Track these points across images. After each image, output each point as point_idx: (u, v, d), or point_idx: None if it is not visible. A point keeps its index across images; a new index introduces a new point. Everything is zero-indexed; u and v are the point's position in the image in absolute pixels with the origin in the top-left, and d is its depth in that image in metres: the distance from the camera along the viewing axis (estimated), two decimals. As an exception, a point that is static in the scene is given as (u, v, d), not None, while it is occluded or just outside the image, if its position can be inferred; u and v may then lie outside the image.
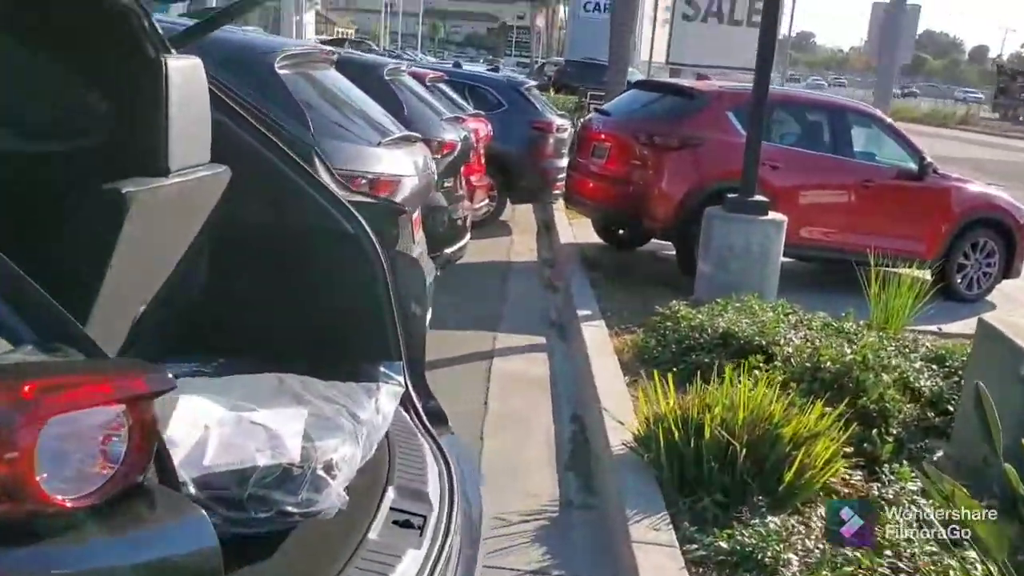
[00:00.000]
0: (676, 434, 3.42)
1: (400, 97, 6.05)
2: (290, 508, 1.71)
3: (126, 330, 2.14)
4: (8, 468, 0.97)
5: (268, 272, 2.58)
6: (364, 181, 3.77)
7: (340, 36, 40.58)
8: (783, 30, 23.73)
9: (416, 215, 4.46)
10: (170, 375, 1.13)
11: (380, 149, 4.09)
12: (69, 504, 1.03)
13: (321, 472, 1.75)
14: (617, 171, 7.93)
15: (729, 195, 6.44)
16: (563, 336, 6.22)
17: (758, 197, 6.39)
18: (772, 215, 6.40)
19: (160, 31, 2.42)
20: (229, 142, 2.45)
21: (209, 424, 1.84)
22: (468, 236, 6.57)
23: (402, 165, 4.14)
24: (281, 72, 3.81)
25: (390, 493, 2.06)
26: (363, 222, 2.53)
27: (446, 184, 6.09)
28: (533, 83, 11.69)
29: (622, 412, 4.17)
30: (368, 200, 2.67)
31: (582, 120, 11.04)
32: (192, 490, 1.69)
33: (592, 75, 19.90)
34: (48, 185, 2.12)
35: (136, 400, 1.08)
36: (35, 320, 1.15)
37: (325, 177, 2.62)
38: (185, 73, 2.14)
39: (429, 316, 2.73)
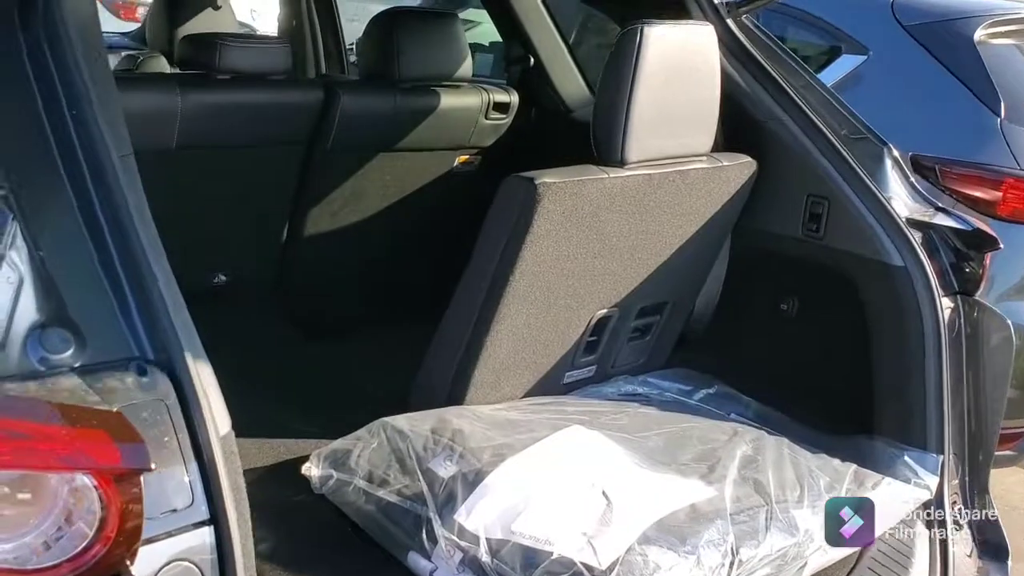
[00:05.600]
0: None
1: None
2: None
3: (580, 329, 1.87)
4: None
5: (784, 295, 2.04)
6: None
7: None
8: None
9: None
10: (148, 451, 0.82)
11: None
12: (24, 571, 0.84)
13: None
14: None
15: None
16: None
17: None
18: None
19: None
20: (764, 129, 1.97)
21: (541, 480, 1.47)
22: None
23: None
24: (982, 44, 2.99)
25: None
26: (921, 255, 1.79)
27: None
28: None
29: None
30: (954, 225, 1.88)
31: None
32: (484, 556, 1.38)
33: None
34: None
35: (104, 473, 0.82)
36: (153, 340, 0.98)
37: (894, 183, 1.93)
38: (674, 44, 1.73)
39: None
